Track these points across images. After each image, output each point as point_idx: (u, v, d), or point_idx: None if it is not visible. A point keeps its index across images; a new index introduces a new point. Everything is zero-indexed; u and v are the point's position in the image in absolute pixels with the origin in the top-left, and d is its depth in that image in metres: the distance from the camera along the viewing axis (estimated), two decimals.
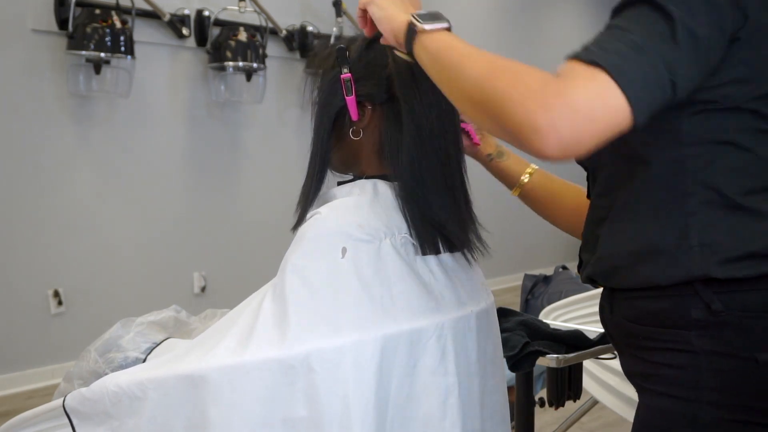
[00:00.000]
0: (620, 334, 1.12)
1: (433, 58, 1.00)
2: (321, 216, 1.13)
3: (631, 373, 1.12)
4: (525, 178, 1.42)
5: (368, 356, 1.07)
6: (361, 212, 1.13)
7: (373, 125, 1.19)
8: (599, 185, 1.14)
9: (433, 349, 1.13)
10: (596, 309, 2.35)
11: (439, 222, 1.15)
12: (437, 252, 1.17)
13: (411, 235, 1.15)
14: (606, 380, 2.39)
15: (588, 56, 0.87)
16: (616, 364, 2.36)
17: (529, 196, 1.44)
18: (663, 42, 0.89)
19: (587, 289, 2.99)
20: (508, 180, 1.44)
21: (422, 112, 1.15)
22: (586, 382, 2.43)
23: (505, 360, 1.52)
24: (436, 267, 1.17)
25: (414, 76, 1.16)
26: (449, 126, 1.19)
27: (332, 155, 1.22)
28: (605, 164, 1.12)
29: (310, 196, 1.19)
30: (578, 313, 2.43)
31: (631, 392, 2.32)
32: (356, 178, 1.22)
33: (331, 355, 1.06)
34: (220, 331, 1.14)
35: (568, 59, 0.90)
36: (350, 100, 1.17)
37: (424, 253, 1.15)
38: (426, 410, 1.12)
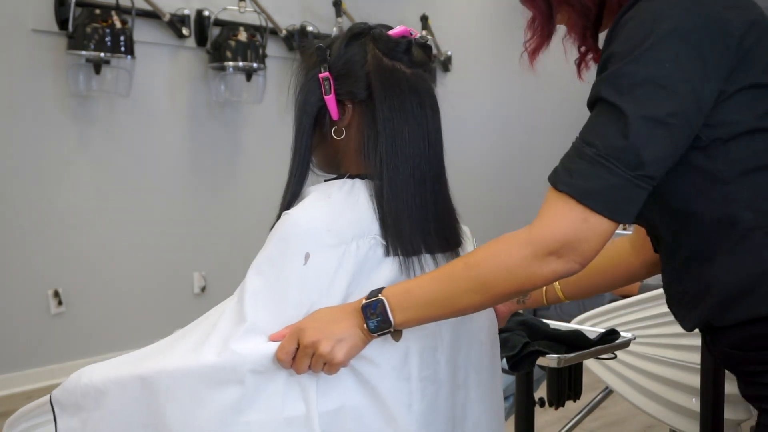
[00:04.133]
0: (728, 362, 1.13)
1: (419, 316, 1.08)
2: (290, 217, 1.13)
3: (747, 396, 1.12)
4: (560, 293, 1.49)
5: None
6: (332, 213, 1.12)
7: (355, 124, 1.17)
8: (665, 245, 1.15)
9: (394, 352, 1.11)
10: (638, 316, 2.38)
11: (401, 224, 1.12)
12: (407, 254, 1.13)
13: (381, 235, 1.13)
14: (619, 370, 2.40)
15: (558, 184, 1.02)
16: (627, 357, 2.37)
17: (573, 294, 1.50)
18: (619, 140, 0.98)
19: (610, 295, 2.97)
20: (549, 299, 1.51)
21: (395, 112, 1.14)
22: (599, 371, 2.43)
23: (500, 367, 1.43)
24: (405, 269, 1.13)
25: (391, 75, 1.15)
26: (425, 129, 1.16)
27: (318, 155, 1.22)
28: (660, 224, 1.14)
29: (287, 196, 1.19)
30: (620, 320, 2.41)
31: (645, 382, 2.33)
32: (340, 177, 1.20)
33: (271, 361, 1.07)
34: (185, 335, 1.17)
35: (549, 181, 1.04)
36: (329, 99, 1.16)
37: (389, 254, 1.12)
38: (384, 414, 1.10)
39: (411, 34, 1.19)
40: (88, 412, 1.17)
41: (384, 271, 1.12)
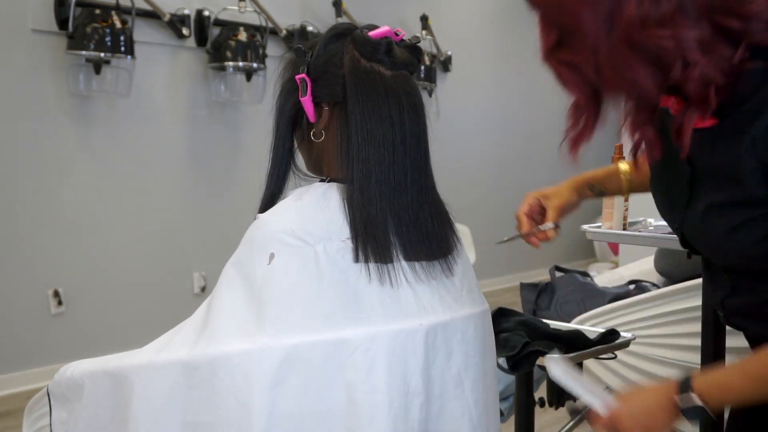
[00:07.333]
0: None
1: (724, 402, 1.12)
2: (258, 221, 1.14)
3: None
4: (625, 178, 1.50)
5: (272, 363, 1.04)
6: (299, 215, 1.11)
7: (332, 127, 1.15)
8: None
9: (360, 362, 1.07)
10: (638, 316, 2.37)
11: (374, 230, 1.09)
12: (381, 261, 1.09)
13: (351, 240, 1.09)
14: (619, 370, 2.41)
15: None
16: (627, 357, 2.37)
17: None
18: None
19: (610, 295, 2.98)
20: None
21: (368, 116, 1.11)
22: (599, 371, 2.44)
23: (495, 377, 1.32)
24: (375, 275, 1.10)
25: (367, 78, 1.12)
26: (402, 133, 1.13)
27: (302, 157, 1.21)
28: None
29: (264, 198, 1.20)
30: (620, 320, 2.41)
31: (645, 382, 2.34)
32: (322, 180, 1.18)
33: (237, 360, 1.06)
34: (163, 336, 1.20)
35: None
36: (305, 101, 1.14)
37: (358, 260, 1.09)
38: (347, 426, 1.06)
39: (397, 35, 1.16)
40: (73, 404, 1.23)
41: (352, 276, 1.09)
